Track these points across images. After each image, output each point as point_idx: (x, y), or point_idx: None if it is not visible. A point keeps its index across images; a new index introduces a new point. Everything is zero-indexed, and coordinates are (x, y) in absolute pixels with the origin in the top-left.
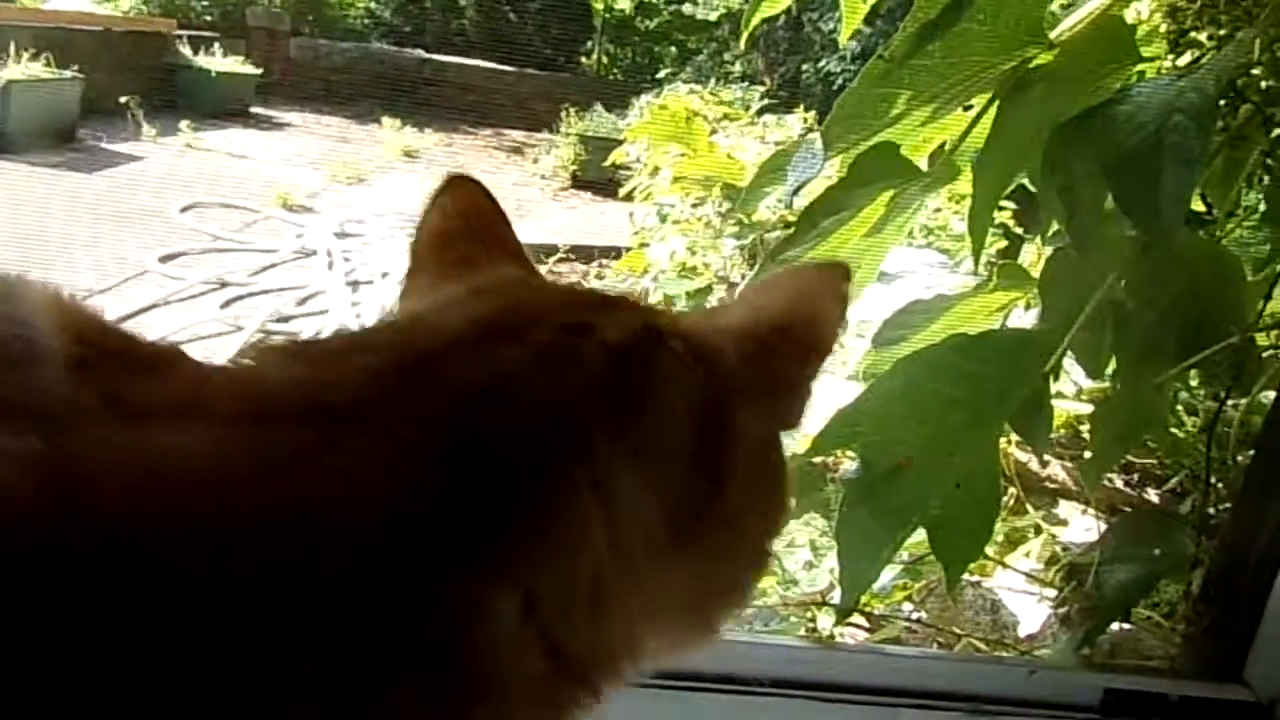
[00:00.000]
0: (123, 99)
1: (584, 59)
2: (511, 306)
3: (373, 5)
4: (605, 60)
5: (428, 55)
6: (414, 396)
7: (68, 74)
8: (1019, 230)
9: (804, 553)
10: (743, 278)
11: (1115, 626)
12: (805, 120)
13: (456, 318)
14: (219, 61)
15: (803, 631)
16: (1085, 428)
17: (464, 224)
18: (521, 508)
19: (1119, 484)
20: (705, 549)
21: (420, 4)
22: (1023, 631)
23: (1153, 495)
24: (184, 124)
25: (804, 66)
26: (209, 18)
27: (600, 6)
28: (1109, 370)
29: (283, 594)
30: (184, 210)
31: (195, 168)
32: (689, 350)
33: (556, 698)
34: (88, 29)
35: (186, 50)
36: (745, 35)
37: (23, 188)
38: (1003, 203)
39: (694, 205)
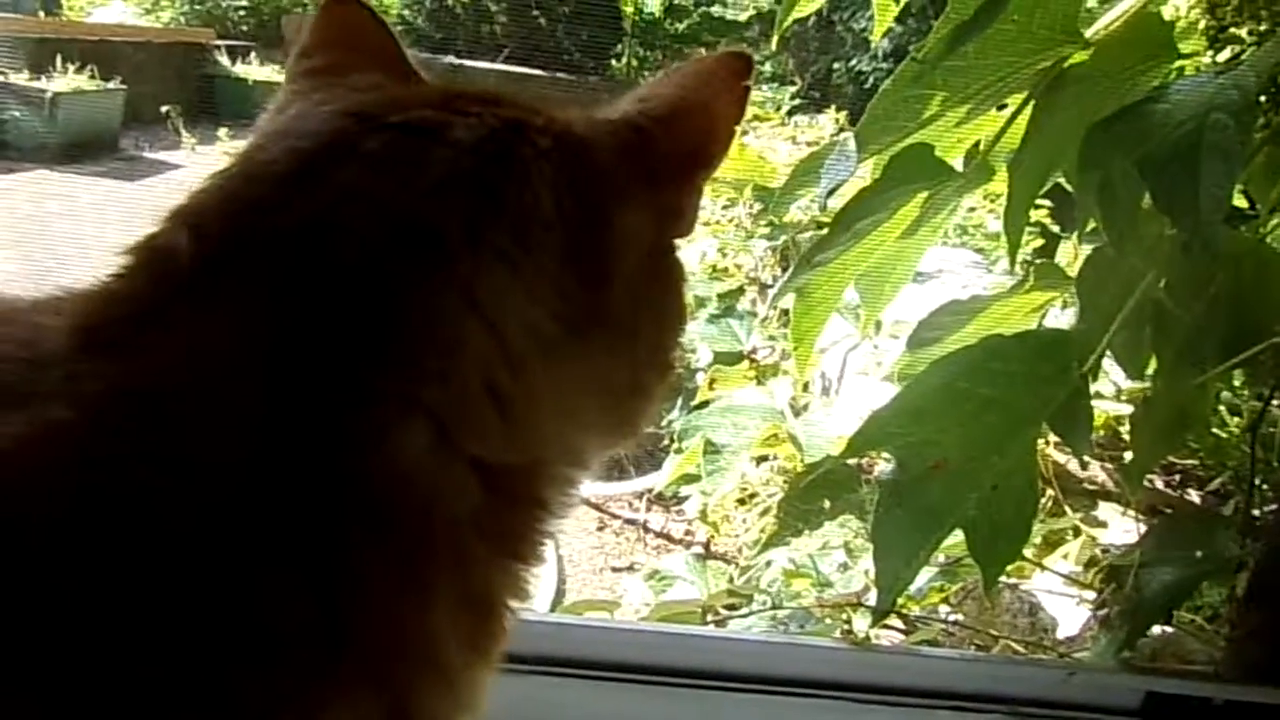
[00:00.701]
0: (163, 108)
1: (614, 62)
2: (345, 118)
3: (405, 13)
4: (635, 63)
5: (459, 61)
6: (245, 255)
7: (111, 85)
8: (1055, 228)
9: (839, 554)
10: (774, 279)
11: (1156, 629)
12: (837, 121)
13: (283, 149)
14: (256, 70)
15: (838, 633)
16: (1125, 428)
17: (332, 38)
18: (389, 330)
19: (1160, 485)
20: (602, 347)
21: (451, 11)
22: (1061, 634)
23: (1194, 496)
24: (222, 131)
25: (835, 66)
26: (246, 27)
27: (630, 10)
28: (1149, 370)
29: (206, 503)
30: None
31: None
32: (558, 146)
33: (507, 524)
34: (130, 40)
35: (225, 59)
36: (777, 36)
37: (70, 197)
38: (1039, 201)
39: (725, 207)
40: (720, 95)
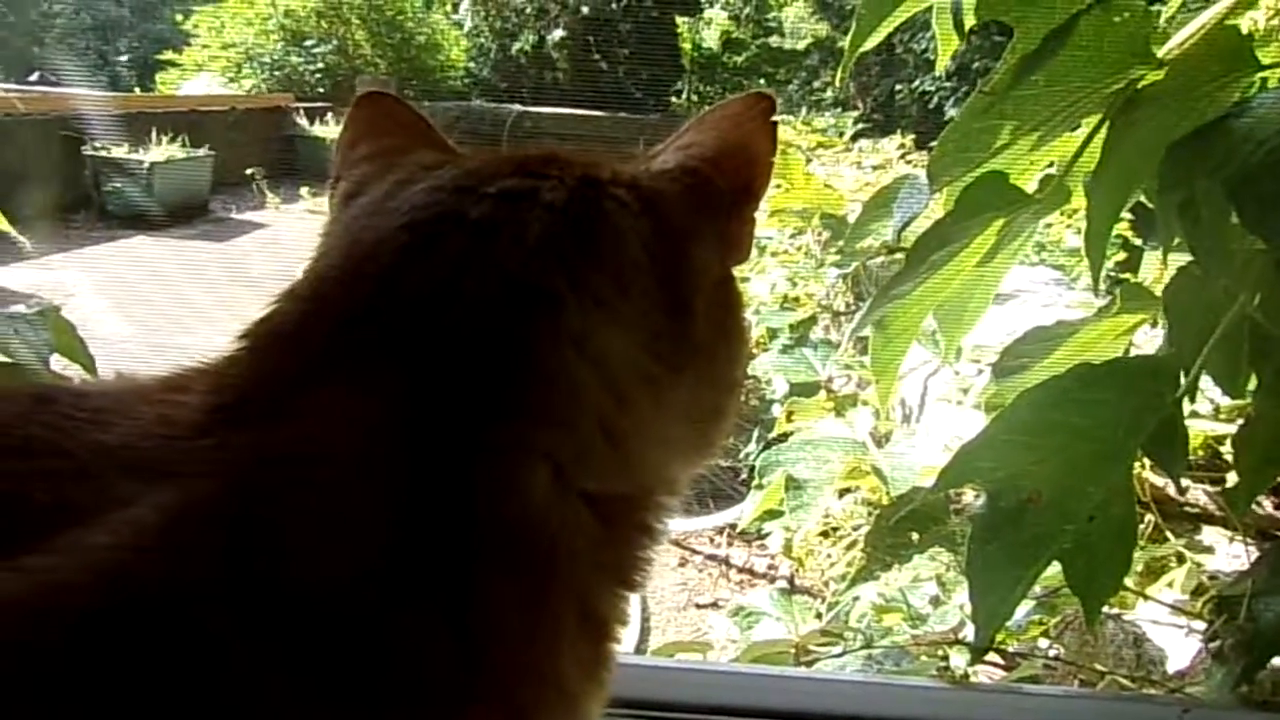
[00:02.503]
0: (248, 170)
1: (674, 99)
2: (441, 192)
3: (471, 65)
4: (695, 98)
5: (525, 108)
6: (370, 326)
7: (200, 152)
8: (1138, 241)
9: (929, 587)
10: (847, 306)
11: (1277, 661)
12: (902, 145)
13: (390, 226)
14: (333, 130)
15: (934, 671)
16: (1226, 448)
17: (375, 126)
18: (512, 385)
19: (1269, 507)
20: (692, 376)
21: (515, 60)
22: (1171, 667)
23: None
24: (304, 190)
25: (898, 88)
26: (322, 89)
27: (688, 46)
28: (1250, 387)
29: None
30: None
31: (316, 231)
32: (634, 197)
33: (618, 553)
34: (216, 109)
35: (303, 121)
36: (843, 73)
37: (167, 260)
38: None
39: (792, 236)
40: (755, 133)
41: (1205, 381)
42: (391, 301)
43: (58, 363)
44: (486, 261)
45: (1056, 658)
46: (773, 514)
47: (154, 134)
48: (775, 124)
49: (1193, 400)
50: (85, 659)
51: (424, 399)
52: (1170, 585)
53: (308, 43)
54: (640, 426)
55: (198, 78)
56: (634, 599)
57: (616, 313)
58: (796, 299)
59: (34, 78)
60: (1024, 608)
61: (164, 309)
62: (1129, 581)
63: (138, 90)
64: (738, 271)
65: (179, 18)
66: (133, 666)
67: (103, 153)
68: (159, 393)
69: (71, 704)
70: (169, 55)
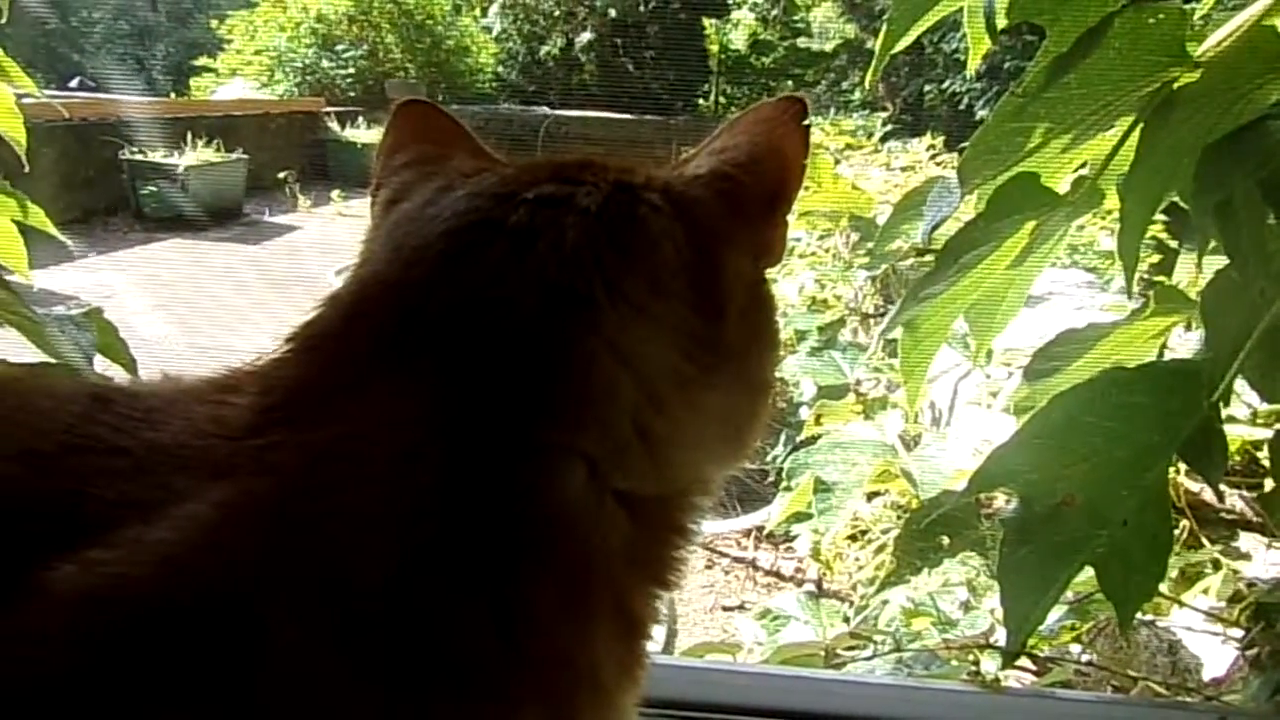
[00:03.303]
0: (281, 174)
1: (701, 100)
2: (480, 198)
3: (500, 70)
4: (723, 100)
5: (552, 111)
6: (412, 330)
7: (234, 156)
8: (1172, 243)
9: (959, 591)
10: (875, 308)
11: None
12: (932, 146)
13: (431, 233)
14: (364, 134)
15: (965, 675)
16: (1263, 453)
17: (414, 134)
18: (550, 386)
19: None
20: (726, 378)
21: (543, 64)
22: (1207, 675)
23: None
24: (335, 193)
25: (927, 88)
26: (353, 94)
27: (715, 48)
28: None
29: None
30: (338, 273)
31: (347, 233)
32: (668, 201)
33: (653, 552)
34: (249, 114)
35: (334, 125)
36: (872, 75)
37: (203, 262)
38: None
39: (821, 238)
40: (787, 137)
41: (1242, 385)
42: (433, 307)
43: (99, 363)
44: (525, 267)
45: (1089, 663)
46: (801, 517)
47: (189, 138)
48: (807, 127)
49: (1228, 404)
50: (149, 649)
51: (465, 401)
52: (1206, 592)
53: (339, 47)
54: (675, 428)
55: (231, 82)
56: (666, 599)
57: (651, 316)
58: (825, 301)
59: (74, 83)
60: (1056, 612)
61: (200, 309)
62: (1164, 587)
63: (173, 95)
64: (767, 274)
65: (214, 23)
66: (193, 656)
67: (139, 156)
68: (210, 393)
69: (136, 693)
70: (204, 60)
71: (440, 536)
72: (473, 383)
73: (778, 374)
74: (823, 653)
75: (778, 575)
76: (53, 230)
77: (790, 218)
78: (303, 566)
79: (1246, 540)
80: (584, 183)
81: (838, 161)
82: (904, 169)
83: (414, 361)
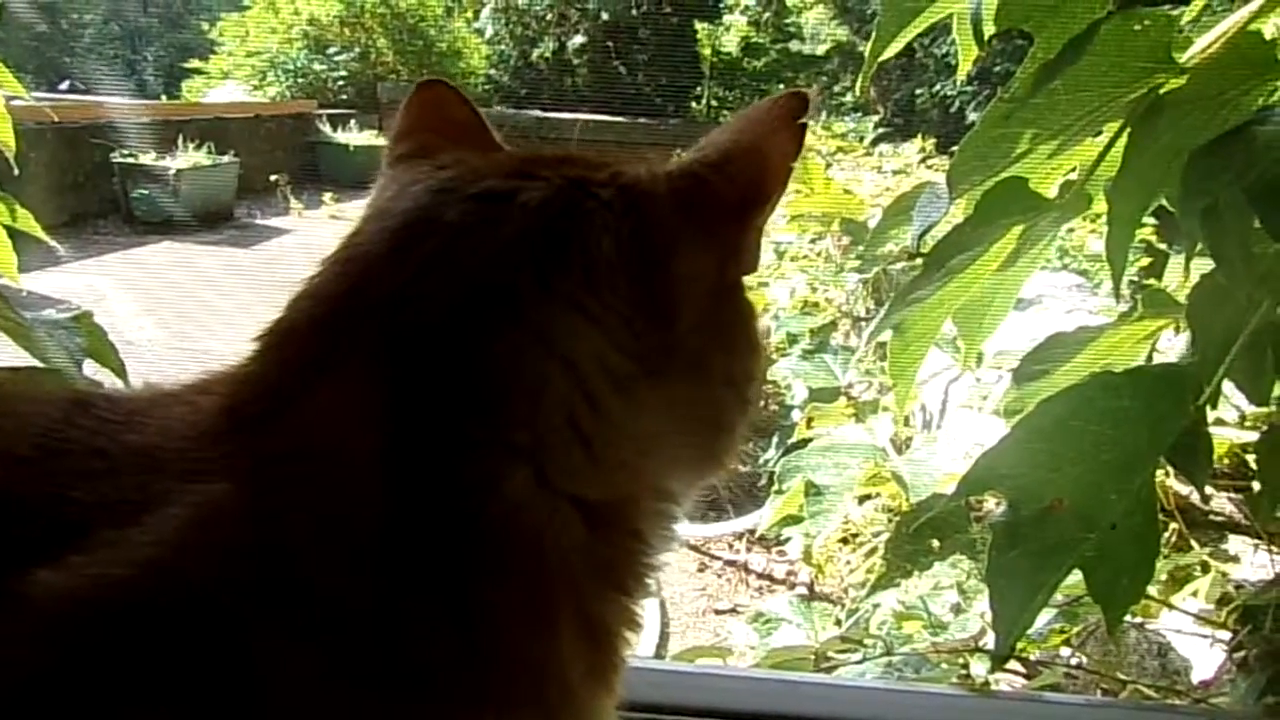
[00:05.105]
0: (273, 177)
1: (694, 104)
2: (429, 194)
3: (492, 73)
4: (715, 103)
5: (544, 114)
6: (353, 330)
7: (225, 159)
8: (1162, 246)
9: (951, 595)
10: (867, 311)
11: None
12: (923, 148)
13: (376, 229)
14: (356, 136)
15: (955, 679)
16: (1252, 456)
17: (423, 119)
18: (480, 383)
19: None
20: (678, 383)
21: (535, 67)
22: (1196, 678)
23: None
24: (327, 195)
25: (918, 92)
26: (345, 96)
27: (707, 51)
28: (1275, 394)
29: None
30: None
31: (339, 236)
32: (619, 196)
33: (610, 557)
34: (241, 116)
35: (326, 128)
36: (863, 80)
37: (194, 265)
38: (1143, 219)
39: (812, 241)
40: (771, 136)
41: (1229, 388)
42: (376, 303)
43: (89, 367)
44: (453, 262)
45: (1078, 666)
46: (792, 520)
47: (180, 141)
48: (802, 126)
49: (1216, 408)
50: (127, 650)
51: (408, 399)
52: (1195, 594)
53: (330, 50)
54: (612, 427)
55: (223, 85)
56: (647, 604)
57: (586, 312)
58: (816, 304)
59: (64, 86)
60: (1045, 616)
61: (190, 313)
62: (1152, 590)
63: (164, 98)
64: (756, 277)
65: (205, 26)
66: (170, 656)
67: (130, 159)
68: (187, 395)
69: (115, 693)
70: (195, 63)
71: (392, 537)
72: (413, 381)
73: (762, 382)
74: (813, 656)
75: (770, 578)
76: (41, 234)
77: (779, 220)
78: (270, 568)
79: (1235, 543)
80: (536, 178)
81: (829, 165)
82: (895, 172)
83: (360, 359)
